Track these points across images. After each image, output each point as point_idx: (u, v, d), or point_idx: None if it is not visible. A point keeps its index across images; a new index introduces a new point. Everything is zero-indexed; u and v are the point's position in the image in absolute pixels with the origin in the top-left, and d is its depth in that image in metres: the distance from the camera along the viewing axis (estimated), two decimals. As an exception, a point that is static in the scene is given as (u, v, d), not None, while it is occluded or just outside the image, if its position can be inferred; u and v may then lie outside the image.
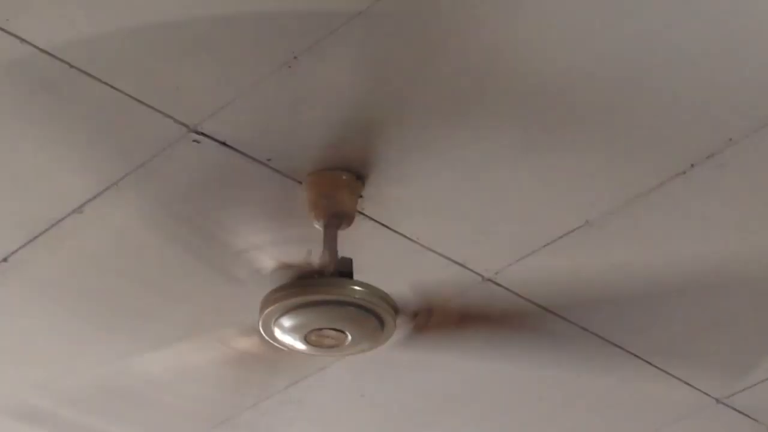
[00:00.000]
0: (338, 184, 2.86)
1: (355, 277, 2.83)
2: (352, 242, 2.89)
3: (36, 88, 2.67)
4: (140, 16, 2.49)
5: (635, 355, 3.39)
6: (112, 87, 2.64)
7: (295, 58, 2.57)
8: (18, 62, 2.58)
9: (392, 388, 3.58)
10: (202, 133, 2.75)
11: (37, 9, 2.48)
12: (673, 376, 3.48)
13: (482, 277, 3.17)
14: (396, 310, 2.87)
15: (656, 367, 3.45)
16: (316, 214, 2.87)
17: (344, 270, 2.82)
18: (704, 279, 3.21)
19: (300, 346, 2.86)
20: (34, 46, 2.54)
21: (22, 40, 2.52)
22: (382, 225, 3.00)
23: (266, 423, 3.67)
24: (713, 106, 2.73)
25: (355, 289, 2.79)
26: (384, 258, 3.05)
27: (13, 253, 3.06)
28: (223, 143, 2.77)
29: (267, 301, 2.81)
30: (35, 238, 3.02)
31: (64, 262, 3.11)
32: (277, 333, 2.83)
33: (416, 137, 2.79)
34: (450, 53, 2.59)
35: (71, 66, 2.59)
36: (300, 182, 2.87)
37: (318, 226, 2.86)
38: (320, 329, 2.81)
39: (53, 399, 3.42)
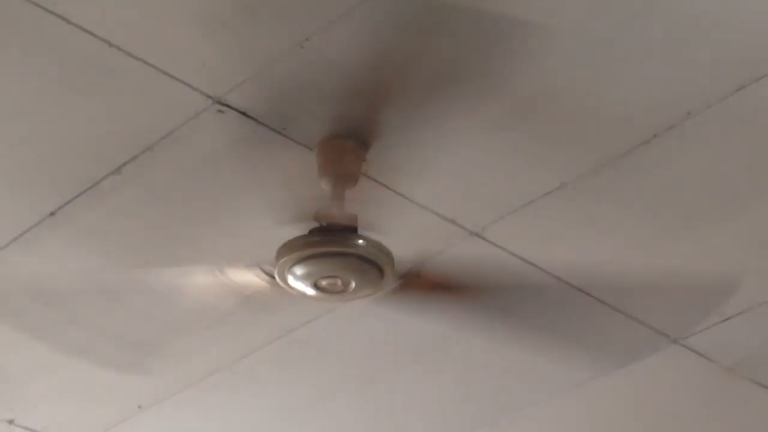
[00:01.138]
0: (344, 150, 2.87)
1: (359, 231, 2.83)
2: (356, 201, 2.88)
3: (82, 65, 2.67)
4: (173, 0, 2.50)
5: (596, 298, 3.34)
6: (146, 63, 2.64)
7: (307, 39, 2.58)
8: (65, 41, 2.58)
9: (384, 331, 3.56)
10: (226, 104, 2.76)
11: None
12: (631, 317, 3.43)
13: (469, 231, 3.17)
14: (394, 262, 2.87)
15: (615, 308, 3.41)
16: (325, 176, 2.87)
17: (349, 225, 2.82)
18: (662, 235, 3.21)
19: (310, 291, 2.86)
20: (79, 27, 2.54)
21: (68, 21, 2.52)
22: (383, 185, 3.01)
23: (275, 362, 3.64)
24: (673, 83, 2.74)
25: (359, 243, 2.80)
26: (384, 214, 3.01)
27: (60, 207, 3.05)
28: (244, 113, 2.78)
29: (281, 252, 2.82)
30: (79, 195, 3.01)
31: (104, 216, 3.10)
32: (290, 280, 2.83)
33: (414, 110, 2.79)
34: (445, 38, 2.60)
35: (110, 44, 2.59)
36: (311, 148, 2.87)
37: (326, 187, 2.86)
38: (328, 277, 2.82)
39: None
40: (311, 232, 2.82)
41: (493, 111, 2.82)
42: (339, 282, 2.84)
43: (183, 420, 3.86)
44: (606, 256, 3.28)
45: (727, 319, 3.50)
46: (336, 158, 2.87)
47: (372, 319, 3.41)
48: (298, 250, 2.80)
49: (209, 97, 2.75)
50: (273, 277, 2.86)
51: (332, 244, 2.80)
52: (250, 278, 2.99)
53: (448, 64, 2.69)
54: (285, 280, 2.85)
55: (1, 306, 3.33)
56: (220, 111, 2.78)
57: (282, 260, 2.81)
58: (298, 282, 2.84)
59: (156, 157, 2.92)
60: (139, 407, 3.77)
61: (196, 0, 2.52)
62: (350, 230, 2.82)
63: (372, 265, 2.83)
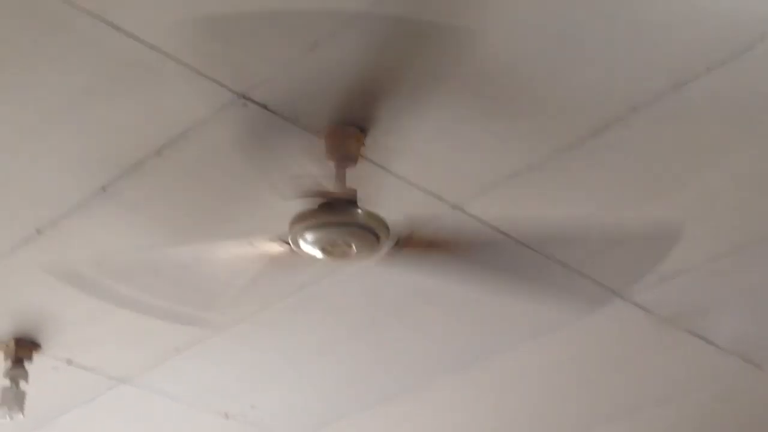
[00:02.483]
0: (347, 136, 2.89)
1: (358, 204, 2.86)
2: (356, 178, 2.90)
3: (127, 64, 2.70)
4: (205, 8, 2.54)
5: (552, 259, 3.35)
6: (181, 62, 2.67)
7: (316, 45, 2.62)
8: (113, 44, 2.61)
9: (380, 288, 3.55)
10: (249, 99, 2.79)
11: (129, 3, 2.52)
12: (566, 265, 3.41)
13: (452, 205, 3.18)
14: (388, 229, 2.91)
15: (565, 264, 3.39)
16: (330, 158, 2.89)
17: (350, 199, 2.85)
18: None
19: (318, 255, 2.91)
20: (125, 32, 2.58)
21: (117, 27, 2.55)
22: (379, 166, 3.02)
23: (290, 314, 3.65)
24: (616, 80, 2.76)
25: (358, 214, 2.85)
26: (379, 190, 3.03)
27: (109, 184, 3.07)
28: (264, 106, 2.81)
29: (294, 221, 2.86)
30: (125, 173, 3.03)
31: (147, 192, 3.12)
32: (302, 244, 2.88)
33: (406, 102, 2.82)
34: (432, 44, 2.64)
35: (152, 47, 2.62)
36: (319, 135, 2.89)
37: (331, 167, 2.88)
38: (333, 243, 2.87)
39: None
40: (319, 205, 2.85)
41: (471, 104, 2.83)
42: (342, 247, 2.88)
43: (212, 360, 3.86)
44: (562, 221, 3.24)
45: (667, 278, 3.47)
46: (339, 143, 2.89)
47: (370, 277, 3.40)
48: (308, 220, 2.84)
49: (235, 92, 2.77)
50: (289, 244, 2.90)
51: (336, 215, 2.84)
52: (270, 246, 3.01)
53: (431, 65, 2.72)
54: (298, 246, 2.89)
55: (62, 266, 3.31)
56: (244, 104, 2.80)
57: (295, 229, 2.86)
58: (308, 247, 2.88)
59: (190, 143, 2.93)
60: (176, 349, 3.78)
61: (225, 11, 2.54)
62: (351, 203, 2.85)
63: (370, 233, 2.87)
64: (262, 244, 3.01)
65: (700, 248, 3.37)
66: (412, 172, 3.07)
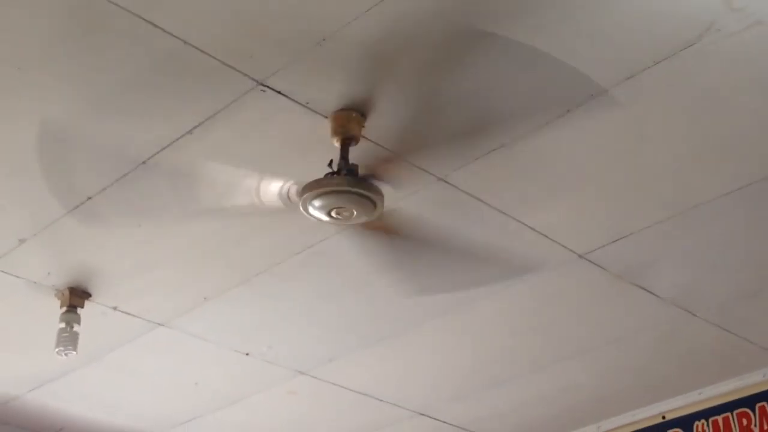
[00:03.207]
0: (350, 119, 2.88)
1: (359, 175, 2.91)
2: (357, 155, 2.93)
3: (165, 57, 2.69)
4: (231, 7, 2.53)
5: (503, 212, 3.32)
6: (210, 55, 2.67)
7: (324, 39, 2.62)
8: (153, 40, 2.61)
9: (372, 249, 3.51)
10: (267, 86, 2.79)
11: (166, 3, 2.51)
12: (533, 229, 3.41)
13: (436, 177, 3.16)
14: (383, 197, 2.95)
15: (528, 225, 3.39)
16: (336, 137, 2.89)
17: (352, 171, 2.89)
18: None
19: (324, 218, 2.94)
20: (163, 29, 2.57)
21: (155, 25, 2.56)
22: (376, 144, 3.01)
23: (300, 268, 3.62)
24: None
25: (358, 183, 2.88)
26: (376, 164, 3.06)
27: (149, 158, 3.05)
28: (279, 92, 2.81)
29: (304, 190, 2.90)
30: (162, 149, 3.03)
31: (182, 164, 3.10)
32: (311, 209, 2.92)
33: (397, 91, 2.83)
34: (418, 45, 2.66)
35: (185, 42, 2.62)
36: (326, 117, 2.89)
37: (336, 144, 2.89)
38: (336, 208, 2.90)
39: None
40: (325, 176, 2.89)
41: (445, 92, 2.82)
42: (344, 211, 2.91)
43: (235, 307, 3.86)
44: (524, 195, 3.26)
45: (617, 240, 3.47)
46: (343, 124, 2.88)
47: (364, 239, 3.40)
48: (316, 188, 2.87)
49: (255, 80, 2.77)
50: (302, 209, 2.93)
51: (340, 185, 2.86)
52: (286, 208, 3.09)
53: (420, 61, 2.72)
54: (307, 210, 2.93)
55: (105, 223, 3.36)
56: (262, 90, 2.80)
57: (304, 196, 2.89)
58: (316, 211, 2.92)
59: (217, 123, 2.92)
60: (205, 299, 3.79)
61: (246, 11, 2.54)
62: (353, 174, 2.88)
63: (368, 200, 2.90)
64: (278, 207, 3.07)
65: (645, 215, 3.37)
66: (400, 147, 3.03)
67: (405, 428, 4.78)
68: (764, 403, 4.27)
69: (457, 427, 4.80)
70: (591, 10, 2.55)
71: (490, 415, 4.69)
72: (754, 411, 4.30)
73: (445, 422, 4.75)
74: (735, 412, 4.35)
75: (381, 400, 4.52)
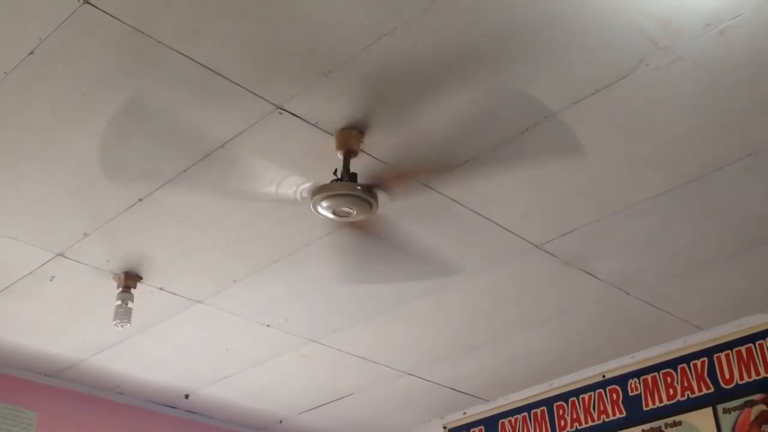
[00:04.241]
0: (351, 136, 2.85)
1: (358, 181, 2.89)
2: (356, 165, 2.92)
3: (192, 82, 2.64)
4: (257, 47, 2.51)
5: (475, 212, 3.28)
6: (231, 81, 2.63)
7: (330, 72, 2.61)
8: (182, 67, 2.56)
9: (364, 244, 3.47)
10: (283, 109, 2.77)
11: (202, 43, 2.48)
12: (498, 225, 3.36)
13: (421, 183, 3.13)
14: (377, 199, 2.93)
15: (494, 221, 3.33)
16: (339, 150, 2.87)
17: (353, 178, 2.88)
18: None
19: (331, 216, 2.93)
20: (191, 58, 2.54)
21: (183, 54, 2.51)
22: (371, 156, 2.99)
23: (310, 257, 3.57)
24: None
25: (358, 188, 2.87)
26: (372, 172, 3.04)
27: (190, 166, 3.02)
28: (293, 114, 2.79)
29: (314, 193, 2.89)
30: (200, 159, 2.98)
31: (215, 175, 3.08)
32: (319, 208, 2.90)
33: (388, 116, 2.81)
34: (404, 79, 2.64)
35: (206, 68, 2.58)
36: (332, 134, 2.88)
37: (340, 156, 2.87)
38: (341, 207, 2.89)
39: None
40: (331, 182, 2.88)
41: (427, 114, 2.81)
42: (346, 210, 2.89)
43: (258, 287, 3.82)
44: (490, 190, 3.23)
45: (567, 232, 3.44)
46: (345, 140, 2.86)
47: (360, 234, 3.39)
48: (323, 191, 2.86)
49: (274, 104, 2.76)
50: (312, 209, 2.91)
51: (343, 189, 2.85)
52: (299, 207, 3.06)
53: (407, 90, 2.70)
54: (316, 209, 2.91)
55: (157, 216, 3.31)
56: (280, 113, 2.78)
57: (314, 198, 2.88)
58: (324, 210, 2.90)
59: (245, 138, 2.90)
60: (234, 281, 3.76)
61: (267, 50, 2.51)
62: (353, 179, 2.87)
63: (365, 201, 2.89)
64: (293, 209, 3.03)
65: (590, 213, 3.35)
66: (394, 159, 3.01)
67: (395, 385, 4.75)
68: (684, 365, 4.26)
69: (438, 384, 4.77)
70: (545, 50, 2.55)
71: (463, 374, 4.67)
72: (676, 371, 4.28)
73: (428, 380, 4.73)
74: (661, 372, 4.34)
75: (376, 363, 4.50)
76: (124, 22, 2.41)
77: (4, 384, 4.41)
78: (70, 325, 4.07)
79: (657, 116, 2.84)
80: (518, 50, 2.54)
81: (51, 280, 3.67)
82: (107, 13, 2.39)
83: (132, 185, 3.14)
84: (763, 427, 3.89)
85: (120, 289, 3.65)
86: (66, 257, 3.52)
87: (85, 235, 3.40)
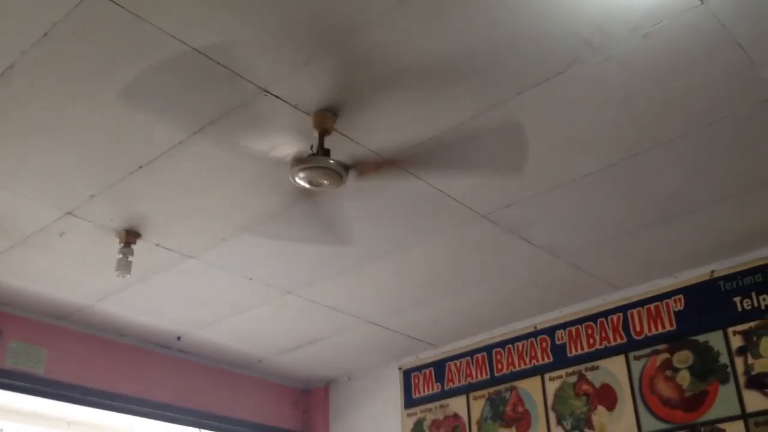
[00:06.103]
0: (325, 117, 2.83)
1: (331, 155, 2.84)
2: (330, 141, 2.88)
3: (199, 71, 2.62)
4: (248, 39, 2.46)
5: (431, 185, 3.24)
6: (230, 69, 2.61)
7: (309, 61, 2.57)
8: (173, 54, 2.52)
9: (339, 210, 3.45)
10: (268, 92, 2.74)
11: (201, 35, 2.44)
12: (451, 197, 3.33)
13: (385, 159, 3.11)
14: (348, 170, 2.89)
15: (445, 192, 3.31)
16: (315, 129, 2.84)
17: (326, 153, 2.84)
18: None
19: (306, 185, 2.89)
20: (185, 44, 2.49)
21: (176, 38, 2.47)
22: (343, 134, 2.96)
23: (290, 223, 3.53)
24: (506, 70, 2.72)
25: (330, 162, 2.83)
26: (341, 147, 2.99)
27: (183, 140, 2.98)
28: (277, 97, 2.75)
29: (292, 164, 2.84)
30: (201, 128, 2.94)
31: (210, 146, 3.01)
32: (297, 179, 2.86)
33: (358, 101, 2.78)
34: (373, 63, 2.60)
35: (201, 53, 2.54)
36: (309, 115, 2.84)
37: (316, 134, 2.84)
38: (316, 177, 2.85)
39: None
40: (308, 155, 2.84)
41: (395, 99, 2.78)
42: (319, 180, 2.86)
43: (243, 246, 3.77)
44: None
45: (509, 205, 3.43)
46: (321, 120, 2.83)
47: (335, 200, 3.36)
48: (300, 164, 2.82)
49: (260, 87, 2.72)
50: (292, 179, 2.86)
51: (318, 162, 2.81)
52: (280, 178, 3.00)
53: (374, 80, 2.67)
54: (294, 179, 2.87)
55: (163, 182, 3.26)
56: (265, 95, 2.75)
57: (292, 169, 2.84)
58: (301, 180, 2.87)
59: (230, 120, 2.86)
60: (222, 239, 3.69)
61: (255, 41, 2.46)
62: (326, 155, 2.84)
63: (337, 174, 2.85)
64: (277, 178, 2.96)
65: (529, 187, 3.33)
66: (357, 136, 2.98)
67: (360, 332, 4.75)
68: (602, 319, 4.30)
69: (395, 331, 4.78)
70: (493, 49, 2.54)
71: (417, 324, 4.67)
72: (596, 324, 4.32)
73: (387, 328, 4.73)
74: (583, 325, 4.37)
75: (343, 312, 4.48)
76: (128, 10, 2.41)
77: (19, 324, 4.38)
78: (77, 275, 4.01)
79: (589, 106, 2.85)
80: (472, 51, 2.57)
81: (61, 236, 3.62)
82: (113, 2, 2.36)
83: (134, 154, 3.09)
84: (666, 371, 3.96)
85: (122, 245, 3.61)
86: (74, 216, 3.48)
87: (92, 197, 3.35)
